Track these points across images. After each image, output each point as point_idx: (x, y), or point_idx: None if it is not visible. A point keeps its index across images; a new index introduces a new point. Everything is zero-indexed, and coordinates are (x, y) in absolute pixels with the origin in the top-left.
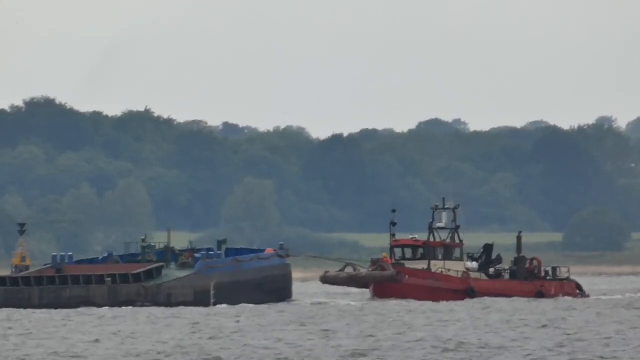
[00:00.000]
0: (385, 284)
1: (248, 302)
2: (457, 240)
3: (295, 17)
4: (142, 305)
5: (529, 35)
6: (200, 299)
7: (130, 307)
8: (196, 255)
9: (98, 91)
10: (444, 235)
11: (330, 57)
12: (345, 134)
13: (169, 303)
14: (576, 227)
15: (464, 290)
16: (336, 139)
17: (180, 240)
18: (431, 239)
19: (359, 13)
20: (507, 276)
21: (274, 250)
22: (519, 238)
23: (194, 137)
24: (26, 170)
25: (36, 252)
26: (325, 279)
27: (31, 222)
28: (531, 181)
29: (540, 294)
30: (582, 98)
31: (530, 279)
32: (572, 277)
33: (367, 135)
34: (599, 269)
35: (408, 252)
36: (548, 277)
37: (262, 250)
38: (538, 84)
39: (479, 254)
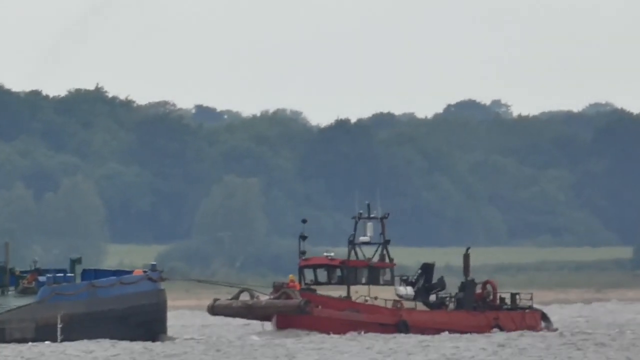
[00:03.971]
0: (291, 315)
1: (108, 338)
2: (386, 260)
3: None
4: None
5: None
6: (44, 335)
7: None
8: (40, 278)
9: (37, 67)
10: (369, 253)
11: (332, 23)
12: (353, 120)
13: (2, 340)
14: None
15: (394, 325)
16: (341, 126)
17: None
18: (352, 258)
19: None
20: (452, 306)
21: (144, 272)
22: (466, 256)
23: (159, 123)
24: None
25: None
26: (215, 310)
27: None
28: (592, 181)
29: (498, 328)
30: None
31: (481, 308)
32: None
33: (382, 121)
34: None
35: (322, 275)
36: (505, 306)
37: (129, 272)
38: (600, 59)
39: (415, 277)
